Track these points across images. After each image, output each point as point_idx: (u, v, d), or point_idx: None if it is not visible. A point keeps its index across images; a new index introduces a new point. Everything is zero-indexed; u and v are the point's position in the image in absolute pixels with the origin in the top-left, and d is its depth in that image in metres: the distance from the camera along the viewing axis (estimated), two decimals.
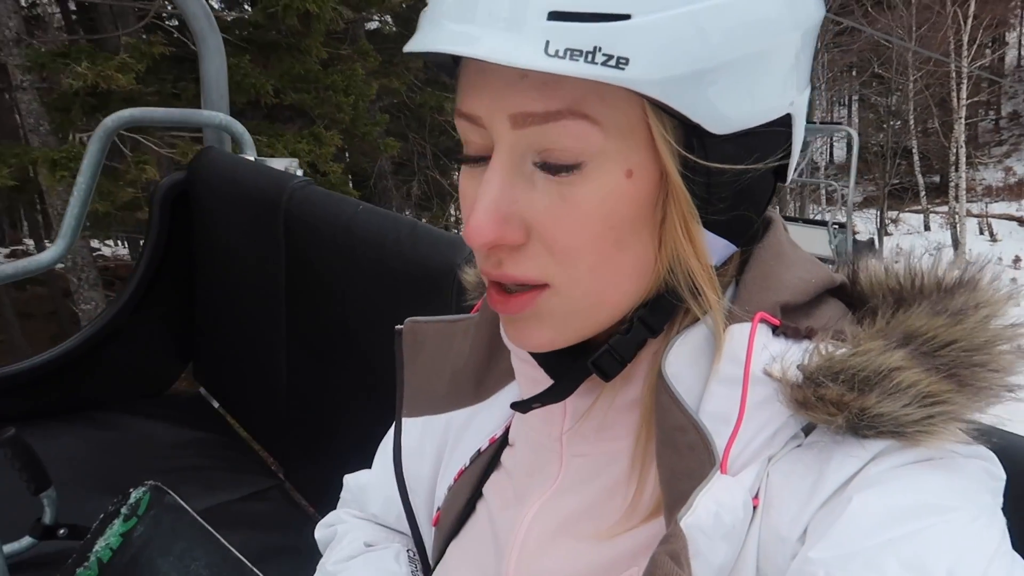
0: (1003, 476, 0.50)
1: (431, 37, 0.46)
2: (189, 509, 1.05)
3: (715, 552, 0.46)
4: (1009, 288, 0.52)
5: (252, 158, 1.87)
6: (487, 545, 0.64)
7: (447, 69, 0.54)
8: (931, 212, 19.58)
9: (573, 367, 0.55)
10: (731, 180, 0.49)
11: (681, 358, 0.52)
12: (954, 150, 17.46)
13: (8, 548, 1.34)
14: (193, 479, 1.62)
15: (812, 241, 6.17)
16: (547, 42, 0.42)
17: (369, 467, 0.83)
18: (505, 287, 0.52)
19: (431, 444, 0.72)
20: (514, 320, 0.53)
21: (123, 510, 1.07)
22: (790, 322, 0.52)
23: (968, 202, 18.61)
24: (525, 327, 0.52)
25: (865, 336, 0.50)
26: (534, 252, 0.49)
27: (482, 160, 0.50)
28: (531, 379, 0.60)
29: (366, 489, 0.82)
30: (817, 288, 0.55)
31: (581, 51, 0.42)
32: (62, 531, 1.40)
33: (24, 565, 1.37)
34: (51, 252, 1.86)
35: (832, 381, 0.47)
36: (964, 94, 16.50)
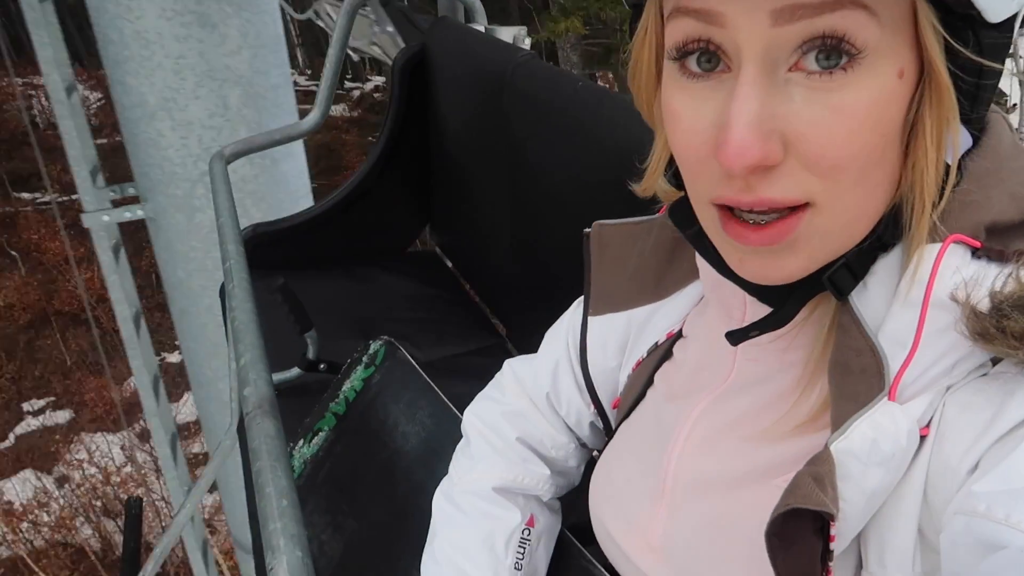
0: None
1: None
2: (416, 365, 1.19)
3: (868, 477, 0.46)
4: None
5: (482, 28, 1.91)
6: (651, 429, 0.68)
7: None
8: None
9: (797, 289, 0.51)
10: (996, 72, 0.44)
11: (869, 277, 0.49)
12: None
13: (280, 376, 1.61)
14: (427, 331, 1.80)
15: None
16: None
17: None
18: (749, 218, 0.47)
19: (614, 339, 0.75)
20: (761, 252, 0.48)
21: (364, 359, 1.24)
22: (997, 243, 0.47)
23: None
24: (775, 258, 0.48)
25: None
26: (790, 170, 0.44)
27: (705, 71, 0.45)
28: (721, 292, 0.60)
29: (538, 373, 0.85)
30: None
31: None
32: (322, 366, 1.65)
33: (292, 391, 1.63)
34: (310, 120, 2.06)
35: (1020, 312, 0.43)
36: None
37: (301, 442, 1.27)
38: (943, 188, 0.48)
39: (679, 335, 0.70)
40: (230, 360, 1.92)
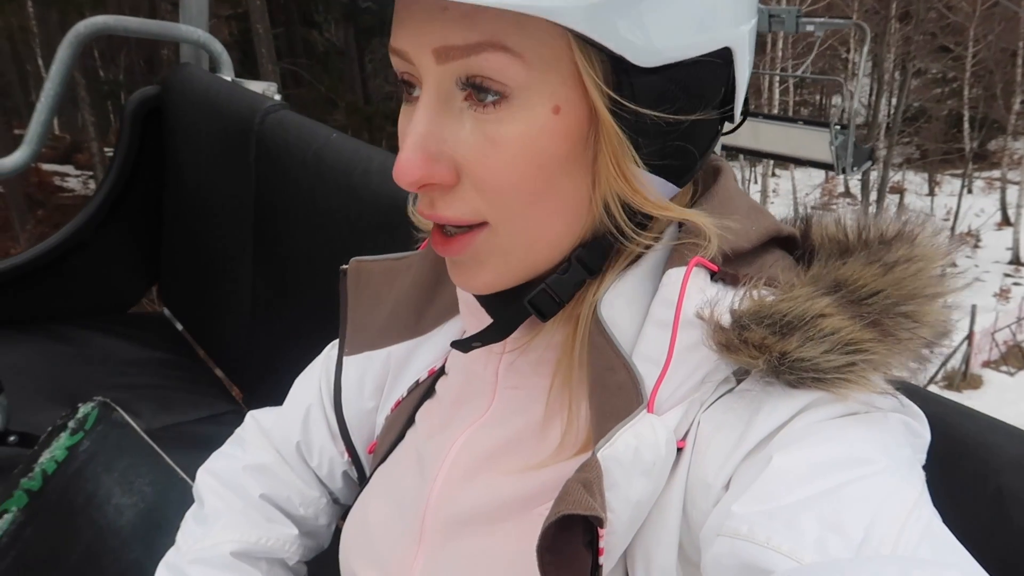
0: (926, 434, 0.50)
1: None
2: (136, 427, 1.05)
3: (632, 486, 0.46)
4: (948, 243, 0.52)
5: (229, 78, 1.82)
6: (411, 470, 0.64)
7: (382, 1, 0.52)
8: (973, 177, 20.82)
9: (512, 307, 0.54)
10: (663, 117, 0.47)
11: (617, 300, 0.52)
12: (1012, 119, 18.69)
13: None
14: (150, 397, 1.61)
15: (812, 145, 5.62)
16: None
17: None
18: (444, 229, 0.51)
19: (371, 379, 0.71)
20: (456, 262, 0.53)
21: (70, 424, 1.06)
22: (730, 269, 0.52)
23: (1009, 169, 19.74)
24: (467, 269, 0.53)
25: (797, 282, 0.50)
26: (464, 192, 0.49)
27: (415, 97, 0.49)
28: (476, 317, 0.59)
29: (287, 421, 0.79)
30: (760, 237, 0.54)
31: None
32: (12, 438, 1.39)
33: None
34: (17, 157, 1.81)
35: (757, 324, 0.47)
36: None
37: None
38: (642, 224, 0.51)
39: (441, 371, 0.68)
40: None
